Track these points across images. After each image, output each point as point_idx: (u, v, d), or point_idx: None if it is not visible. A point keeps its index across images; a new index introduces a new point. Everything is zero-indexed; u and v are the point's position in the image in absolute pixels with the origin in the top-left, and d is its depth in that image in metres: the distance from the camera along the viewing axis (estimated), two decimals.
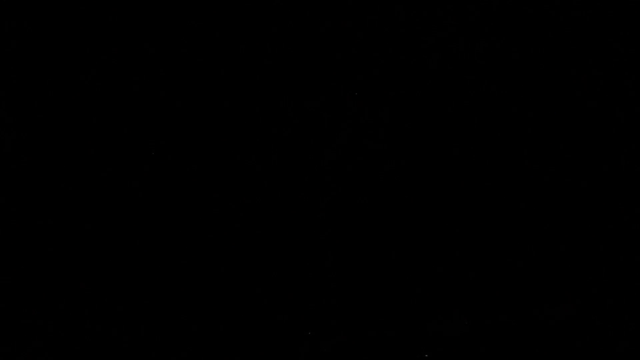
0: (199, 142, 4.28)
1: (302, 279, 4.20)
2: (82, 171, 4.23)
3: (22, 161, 4.23)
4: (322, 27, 4.34)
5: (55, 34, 4.29)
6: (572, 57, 4.30)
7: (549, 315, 4.11)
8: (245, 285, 4.19)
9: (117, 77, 4.29)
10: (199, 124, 4.29)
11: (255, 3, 4.32)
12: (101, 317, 4.13)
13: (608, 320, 4.11)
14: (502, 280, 4.18)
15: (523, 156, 4.26)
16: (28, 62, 4.28)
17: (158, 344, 4.12)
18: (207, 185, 4.26)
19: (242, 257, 4.21)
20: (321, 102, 4.30)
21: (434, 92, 4.31)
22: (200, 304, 4.16)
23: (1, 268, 4.14)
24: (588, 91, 4.28)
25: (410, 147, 4.28)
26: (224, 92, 4.31)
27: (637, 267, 4.15)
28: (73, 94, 4.27)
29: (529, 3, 4.29)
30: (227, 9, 4.33)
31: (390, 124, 4.30)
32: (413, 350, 4.11)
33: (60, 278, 4.15)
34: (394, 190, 4.26)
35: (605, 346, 4.07)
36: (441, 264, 4.20)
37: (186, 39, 4.31)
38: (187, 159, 4.27)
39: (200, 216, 4.23)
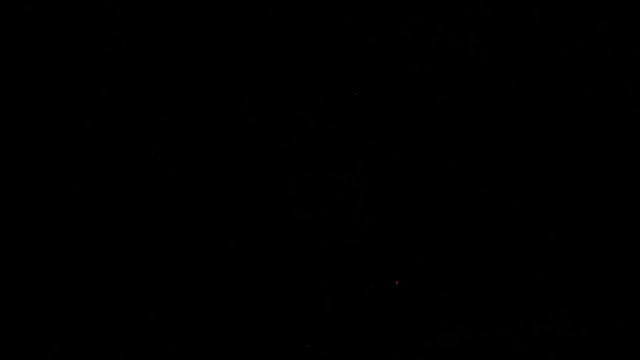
0: (199, 144, 4.27)
1: (299, 291, 4.21)
2: (82, 171, 4.23)
3: (19, 161, 4.23)
4: (321, 27, 4.30)
5: (55, 34, 4.26)
6: (572, 58, 4.27)
7: (547, 329, 4.13)
8: (243, 296, 4.21)
9: (118, 77, 4.27)
10: (198, 126, 4.28)
11: (252, 3, 4.29)
12: (101, 317, 4.15)
13: (605, 335, 4.13)
14: (500, 294, 4.19)
15: (523, 169, 4.25)
16: (27, 62, 4.25)
17: (154, 352, 4.16)
18: (206, 187, 4.26)
19: (240, 267, 4.23)
20: (321, 103, 4.28)
21: (435, 92, 4.28)
22: (196, 314, 4.18)
23: (1, 268, 4.17)
24: (588, 94, 4.26)
25: (409, 156, 4.27)
26: (222, 93, 4.29)
27: (635, 282, 4.17)
28: (73, 94, 4.26)
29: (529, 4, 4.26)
30: (223, 10, 4.29)
31: (390, 127, 4.28)
32: None
33: (60, 278, 4.17)
34: (392, 201, 4.25)
35: None
36: (439, 277, 4.21)
37: (181, 41, 4.29)
38: (186, 161, 4.26)
39: (198, 221, 4.24)
